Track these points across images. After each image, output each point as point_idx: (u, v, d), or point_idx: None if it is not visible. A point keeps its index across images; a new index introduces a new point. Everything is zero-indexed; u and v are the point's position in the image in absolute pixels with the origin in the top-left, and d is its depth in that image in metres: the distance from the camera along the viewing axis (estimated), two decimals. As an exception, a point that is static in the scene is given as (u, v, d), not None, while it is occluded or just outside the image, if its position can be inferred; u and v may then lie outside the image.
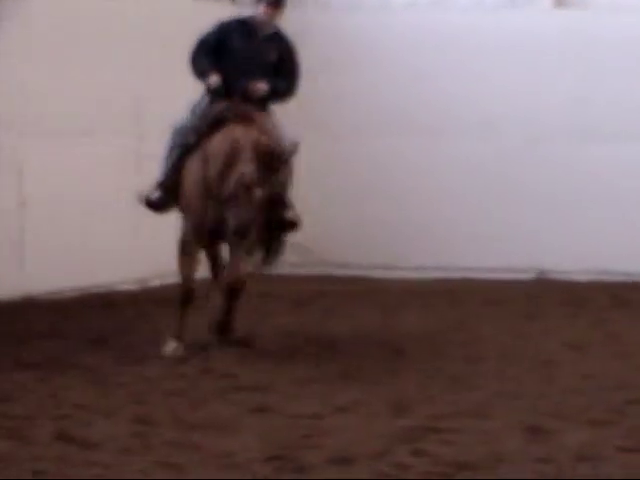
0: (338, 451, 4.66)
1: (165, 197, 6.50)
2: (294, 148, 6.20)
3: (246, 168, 6.08)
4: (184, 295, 6.43)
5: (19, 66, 8.05)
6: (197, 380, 5.92)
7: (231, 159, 6.17)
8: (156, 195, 6.51)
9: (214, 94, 6.46)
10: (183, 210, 6.47)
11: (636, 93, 9.45)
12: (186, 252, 6.42)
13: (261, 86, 6.40)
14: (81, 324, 7.43)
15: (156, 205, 6.54)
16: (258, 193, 6.09)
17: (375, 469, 4.45)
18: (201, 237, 6.43)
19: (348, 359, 6.53)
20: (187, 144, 6.42)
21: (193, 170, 6.39)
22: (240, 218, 6.07)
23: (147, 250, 8.30)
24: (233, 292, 6.42)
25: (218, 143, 6.28)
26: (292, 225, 6.51)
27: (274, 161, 6.14)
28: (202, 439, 4.84)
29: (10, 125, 8.04)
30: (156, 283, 8.07)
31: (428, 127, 9.60)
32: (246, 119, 6.32)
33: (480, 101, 9.63)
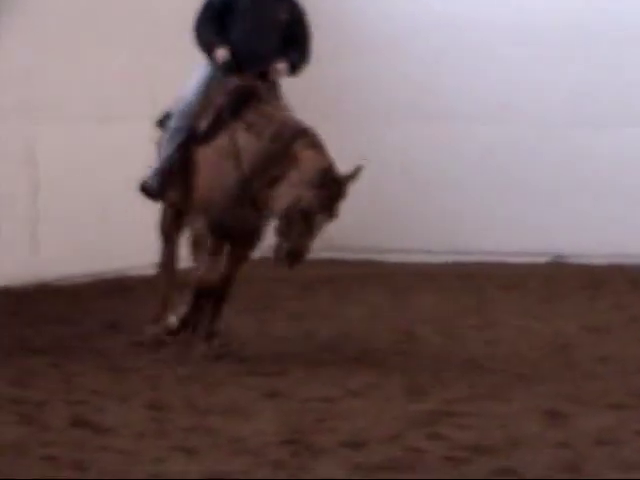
0: (352, 435, 4.64)
1: (163, 184, 6.07)
2: (358, 172, 5.66)
3: (306, 192, 5.59)
4: (205, 291, 5.96)
5: (31, 53, 8.02)
6: (211, 365, 5.89)
7: (277, 163, 5.68)
8: (155, 181, 6.08)
9: (223, 69, 5.99)
10: (199, 205, 5.94)
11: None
12: (201, 246, 5.94)
13: (282, 67, 6.01)
14: (95, 309, 7.42)
15: (153, 192, 6.12)
16: (319, 220, 5.66)
17: (389, 453, 4.41)
18: (218, 236, 5.93)
19: (361, 343, 6.50)
20: (193, 128, 5.96)
21: (214, 163, 5.87)
22: (295, 243, 5.62)
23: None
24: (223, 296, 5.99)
25: (254, 140, 5.76)
26: None
27: (338, 188, 5.62)
28: (216, 424, 4.82)
29: (23, 111, 8.01)
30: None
31: (441, 111, 9.55)
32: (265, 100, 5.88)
33: (496, 85, 9.57)
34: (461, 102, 9.54)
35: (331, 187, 5.64)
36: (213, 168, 5.92)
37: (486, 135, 9.59)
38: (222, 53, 5.93)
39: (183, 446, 4.51)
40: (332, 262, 9.00)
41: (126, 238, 8.36)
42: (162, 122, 6.25)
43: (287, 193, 5.69)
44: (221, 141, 5.91)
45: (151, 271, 8.53)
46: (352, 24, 9.61)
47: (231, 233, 6.00)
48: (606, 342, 6.61)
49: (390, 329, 6.89)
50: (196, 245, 6.04)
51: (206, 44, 5.99)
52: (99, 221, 8.34)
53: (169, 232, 6.31)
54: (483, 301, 7.92)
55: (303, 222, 5.66)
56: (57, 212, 8.15)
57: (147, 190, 6.18)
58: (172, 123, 6.07)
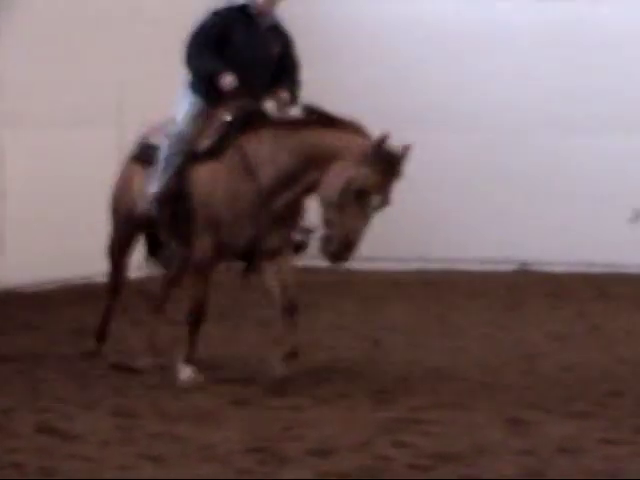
0: (319, 443, 4.66)
1: (162, 211, 5.73)
2: (408, 151, 5.36)
3: (360, 170, 5.23)
4: (199, 317, 5.66)
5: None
6: (178, 372, 5.89)
7: (311, 164, 5.35)
8: (154, 208, 5.76)
9: (228, 96, 5.71)
10: (207, 226, 5.56)
11: (623, 85, 9.48)
12: (204, 272, 5.60)
13: (285, 96, 5.81)
14: (62, 316, 7.40)
15: (156, 219, 5.80)
16: (374, 203, 5.30)
17: (356, 461, 4.44)
18: (227, 257, 5.61)
19: (328, 351, 6.52)
20: (191, 151, 5.68)
21: (224, 179, 5.53)
22: (348, 230, 5.26)
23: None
24: (294, 308, 5.76)
25: (268, 149, 5.49)
26: (300, 247, 5.91)
27: (394, 162, 5.30)
28: (183, 431, 4.83)
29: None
30: (136, 275, 8.04)
31: (411, 118, 9.60)
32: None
33: (464, 92, 9.64)
34: (430, 109, 9.60)
35: (387, 161, 5.29)
36: (224, 184, 5.58)
37: (454, 142, 9.65)
38: (230, 79, 5.69)
39: (150, 453, 4.51)
40: (301, 270, 9.02)
41: (94, 244, 8.35)
42: (141, 154, 6.02)
43: (335, 178, 5.28)
44: (230, 157, 5.61)
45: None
46: (320, 30, 9.63)
47: (246, 253, 5.67)
48: (569, 350, 6.68)
49: (358, 337, 6.93)
50: (198, 273, 5.64)
51: (208, 70, 5.73)
52: (67, 227, 8.33)
53: (119, 258, 6.23)
54: (449, 309, 7.98)
55: (357, 205, 5.26)
56: (24, 218, 8.13)
57: (151, 218, 5.89)
58: (166, 151, 5.78)
